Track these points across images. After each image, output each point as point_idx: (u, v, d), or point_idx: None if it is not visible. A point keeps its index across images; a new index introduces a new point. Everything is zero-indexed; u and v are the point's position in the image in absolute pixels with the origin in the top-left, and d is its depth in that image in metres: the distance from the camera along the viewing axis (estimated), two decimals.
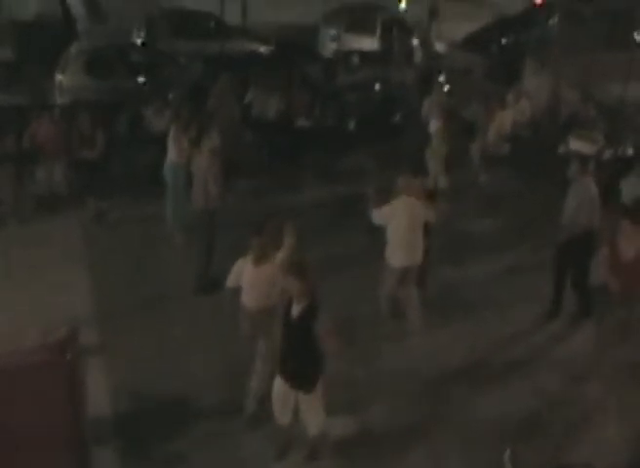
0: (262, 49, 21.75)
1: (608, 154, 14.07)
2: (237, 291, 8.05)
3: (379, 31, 22.42)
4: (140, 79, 17.18)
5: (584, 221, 9.61)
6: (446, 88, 16.52)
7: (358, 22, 22.68)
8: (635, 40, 21.62)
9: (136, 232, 12.08)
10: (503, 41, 23.14)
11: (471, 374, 9.24)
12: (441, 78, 17.80)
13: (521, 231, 12.69)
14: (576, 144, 14.74)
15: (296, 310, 7.00)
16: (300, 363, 7.12)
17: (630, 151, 14.32)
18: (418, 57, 21.94)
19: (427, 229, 9.64)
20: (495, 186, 14.36)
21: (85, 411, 7.20)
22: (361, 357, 9.24)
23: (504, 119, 14.92)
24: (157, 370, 9.01)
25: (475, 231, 12.86)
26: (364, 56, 21.84)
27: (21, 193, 12.83)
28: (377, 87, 17.44)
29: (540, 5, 23.67)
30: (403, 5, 24.72)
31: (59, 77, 16.82)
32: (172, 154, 11.77)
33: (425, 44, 22.76)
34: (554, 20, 22.27)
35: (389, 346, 9.61)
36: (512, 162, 14.73)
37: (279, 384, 7.39)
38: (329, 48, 22.42)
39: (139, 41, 20.88)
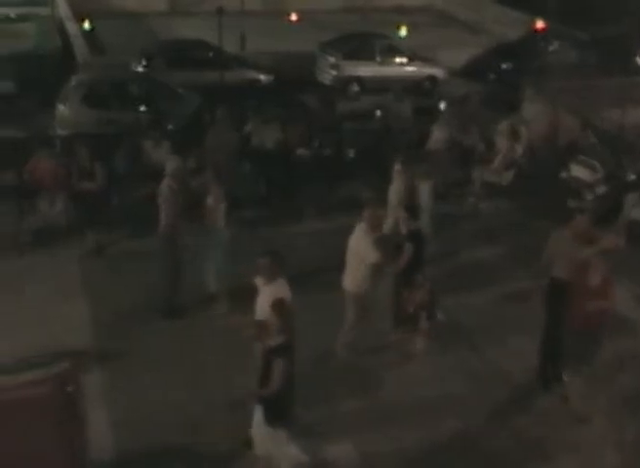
0: (261, 78, 21.81)
1: (607, 181, 14.10)
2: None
3: (378, 59, 22.49)
4: (139, 111, 17.21)
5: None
6: (448, 115, 16.50)
7: (357, 50, 22.76)
8: (635, 64, 21.74)
9: (134, 265, 12.01)
10: (502, 68, 23.25)
11: (471, 403, 9.19)
12: (442, 106, 17.84)
13: (521, 260, 12.62)
14: (576, 171, 14.76)
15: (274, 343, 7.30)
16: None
17: (632, 177, 14.32)
18: (416, 84, 21.98)
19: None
20: (495, 214, 14.33)
21: (86, 445, 7.15)
22: (362, 385, 9.19)
23: (503, 147, 14.93)
24: (158, 405, 8.95)
25: (475, 259, 12.80)
26: (363, 83, 21.94)
27: (21, 226, 12.79)
28: (376, 115, 17.47)
29: (541, 31, 23.78)
30: (403, 32, 24.83)
31: (59, 109, 16.86)
32: None
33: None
34: (553, 47, 22.45)
35: (389, 374, 9.57)
36: (512, 190, 14.71)
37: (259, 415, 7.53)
38: (327, 76, 22.48)
39: (137, 72, 20.94)
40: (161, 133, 14.40)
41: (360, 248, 9.44)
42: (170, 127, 16.37)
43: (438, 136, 15.20)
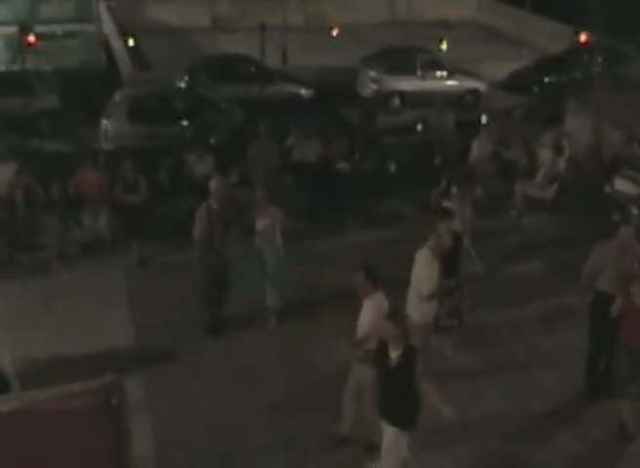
0: (303, 92, 21.93)
1: None
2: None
3: (419, 73, 22.48)
4: (183, 125, 17.40)
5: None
6: (490, 129, 16.42)
7: (398, 64, 22.78)
8: None
9: (178, 278, 12.10)
10: (545, 81, 23.08)
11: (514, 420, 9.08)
12: (484, 119, 17.76)
13: (565, 275, 12.44)
14: (621, 185, 14.55)
15: (394, 354, 7.18)
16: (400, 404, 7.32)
17: None
18: (458, 98, 21.93)
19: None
20: (538, 229, 14.17)
21: (130, 458, 7.18)
22: None
23: (547, 161, 14.79)
24: (199, 417, 8.99)
25: (518, 274, 12.66)
26: (404, 97, 21.92)
27: (66, 238, 12.98)
28: (418, 129, 17.44)
29: (585, 44, 23.57)
30: (444, 47, 24.82)
31: (104, 124, 17.11)
32: None
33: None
34: (597, 59, 22.17)
35: None
36: (556, 204, 14.54)
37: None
38: (369, 90, 22.51)
39: (181, 87, 21.19)
40: (204, 147, 14.53)
41: (425, 279, 9.11)
42: (213, 141, 16.51)
43: (480, 149, 15.13)
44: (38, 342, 10.32)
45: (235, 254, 10.91)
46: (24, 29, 22.19)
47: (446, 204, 11.57)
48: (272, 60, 23.67)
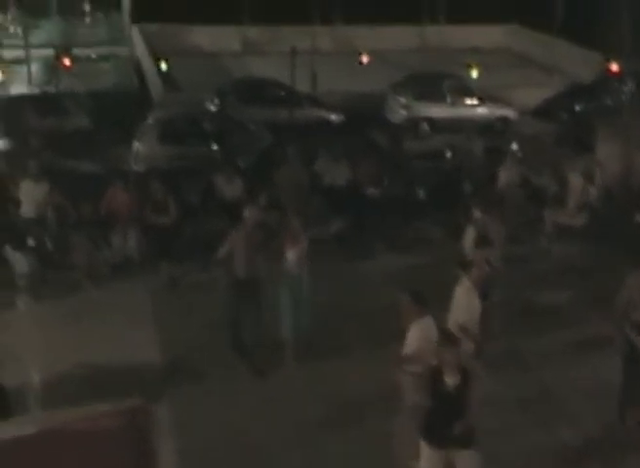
0: (332, 116, 22.02)
1: None
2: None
3: (448, 99, 22.50)
4: (212, 146, 17.53)
5: None
6: (517, 155, 16.38)
7: (427, 90, 22.83)
8: None
9: (206, 298, 12.13)
10: (575, 108, 23.01)
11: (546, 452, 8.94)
12: (513, 146, 17.71)
13: (595, 304, 12.31)
14: None
15: (451, 379, 7.15)
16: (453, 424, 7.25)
17: None
18: (487, 124, 21.90)
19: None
20: (568, 257, 14.05)
21: None
22: None
23: (577, 188, 14.69)
24: (226, 438, 8.96)
25: (547, 302, 12.55)
26: (433, 123, 21.94)
27: (96, 258, 13.07)
28: (447, 155, 17.42)
29: (615, 74, 23.52)
30: (474, 73, 24.85)
31: (135, 145, 17.29)
32: None
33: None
34: (628, 87, 22.16)
35: None
36: (586, 232, 14.42)
37: (428, 454, 7.41)
38: (398, 116, 22.56)
39: (211, 110, 21.37)
40: (233, 169, 14.60)
41: (464, 309, 8.94)
42: (241, 163, 16.61)
43: (507, 175, 15.07)
44: (66, 360, 10.39)
45: (264, 279, 10.88)
46: (60, 53, 22.64)
47: (469, 229, 11.52)
48: (302, 85, 23.85)
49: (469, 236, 11.72)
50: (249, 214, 10.71)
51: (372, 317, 11.63)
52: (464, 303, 8.87)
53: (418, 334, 7.98)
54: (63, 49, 25.80)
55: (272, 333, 10.75)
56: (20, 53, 25.00)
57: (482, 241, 10.02)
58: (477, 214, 12.19)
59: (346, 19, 32.87)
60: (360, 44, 30.07)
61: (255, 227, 10.68)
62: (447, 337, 7.39)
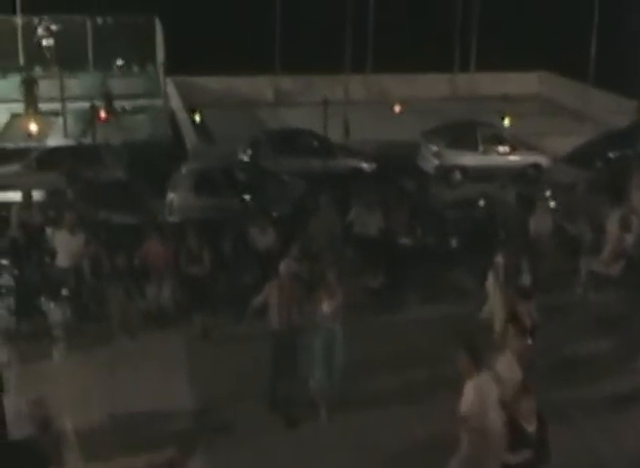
0: (365, 166, 22.09)
1: None
2: None
3: (481, 147, 22.52)
4: (246, 197, 17.64)
5: None
6: (551, 204, 16.28)
7: (460, 139, 22.86)
8: None
9: (240, 350, 12.09)
10: (610, 155, 22.87)
11: None
12: (547, 193, 17.61)
13: (632, 353, 12.08)
14: None
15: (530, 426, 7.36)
16: None
17: None
18: (520, 172, 21.85)
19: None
20: (604, 306, 13.85)
21: None
22: None
23: (613, 236, 14.53)
24: None
25: (583, 352, 12.34)
26: (466, 171, 21.92)
27: (130, 308, 13.13)
28: (480, 203, 17.35)
29: None
30: (507, 122, 24.87)
31: (169, 196, 17.47)
32: None
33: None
34: None
35: None
36: (622, 281, 14.22)
37: None
38: (430, 164, 22.59)
39: (244, 160, 21.56)
40: (267, 219, 14.68)
41: (508, 382, 8.51)
42: (275, 213, 16.68)
43: (541, 223, 14.98)
44: (100, 410, 10.42)
45: (299, 331, 10.84)
46: (97, 105, 23.09)
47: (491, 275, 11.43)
48: (334, 134, 24.01)
49: (491, 280, 11.66)
50: (284, 266, 10.71)
51: (405, 368, 11.53)
52: (507, 377, 8.53)
53: (475, 391, 7.83)
54: (106, 100, 26.42)
55: (306, 385, 10.68)
56: (56, 105, 25.55)
57: (523, 293, 9.88)
58: (500, 259, 12.15)
59: (378, 67, 33.17)
60: (392, 92, 30.29)
61: (290, 279, 10.67)
62: (522, 387, 7.41)
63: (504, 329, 9.22)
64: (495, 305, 12.31)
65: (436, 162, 22.40)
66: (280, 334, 10.54)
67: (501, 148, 22.57)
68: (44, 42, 31.96)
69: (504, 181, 17.67)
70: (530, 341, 9.32)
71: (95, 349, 12.33)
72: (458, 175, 22.00)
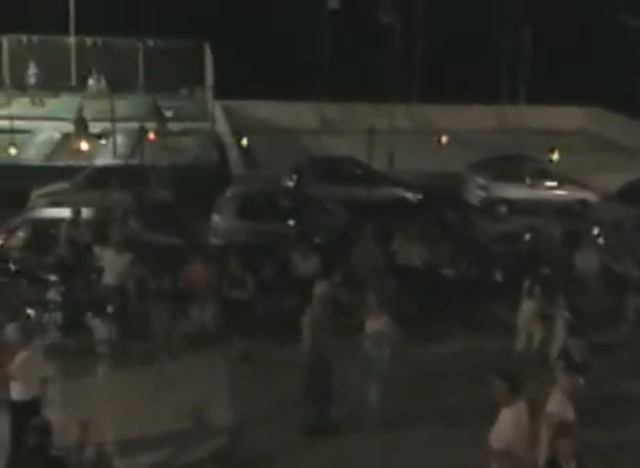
0: (408, 196, 22.05)
1: None
2: None
3: (527, 181, 22.39)
4: (289, 223, 17.71)
5: None
6: (598, 241, 16.10)
7: (507, 172, 22.75)
8: None
9: (279, 375, 12.07)
10: None
11: None
12: (593, 230, 17.41)
13: None
14: None
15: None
16: None
17: None
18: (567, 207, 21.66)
19: None
20: None
21: None
22: None
23: None
24: None
25: (630, 392, 12.10)
26: (511, 205, 21.76)
27: (173, 329, 13.20)
28: (525, 237, 17.18)
29: None
30: (555, 157, 24.72)
31: (214, 219, 17.61)
32: None
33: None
34: None
35: None
36: None
37: None
38: (476, 196, 22.48)
39: (288, 186, 21.67)
40: (309, 246, 14.70)
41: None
42: (317, 240, 16.71)
43: (587, 260, 14.81)
44: (140, 432, 10.43)
45: (335, 356, 10.81)
46: (145, 127, 23.42)
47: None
48: (379, 163, 24.04)
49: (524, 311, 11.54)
50: (319, 288, 10.73)
51: (442, 397, 11.43)
52: (555, 415, 8.43)
53: (510, 419, 7.73)
54: (158, 120, 26.77)
55: (344, 410, 10.64)
56: (106, 125, 25.97)
57: (575, 330, 9.74)
58: (537, 290, 12.04)
59: (424, 97, 33.22)
60: (437, 123, 30.28)
61: (323, 302, 10.67)
62: (562, 428, 7.31)
63: (554, 365, 9.09)
64: (535, 337, 12.26)
65: (482, 194, 22.31)
66: (314, 358, 10.52)
67: (548, 183, 22.41)
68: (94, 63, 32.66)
69: (550, 216, 17.50)
70: (581, 380, 9.16)
71: (137, 367, 12.41)
72: (503, 209, 21.83)
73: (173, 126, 28.16)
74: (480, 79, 32.93)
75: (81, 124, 25.86)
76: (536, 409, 8.40)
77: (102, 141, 26.02)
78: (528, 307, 12.99)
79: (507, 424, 7.74)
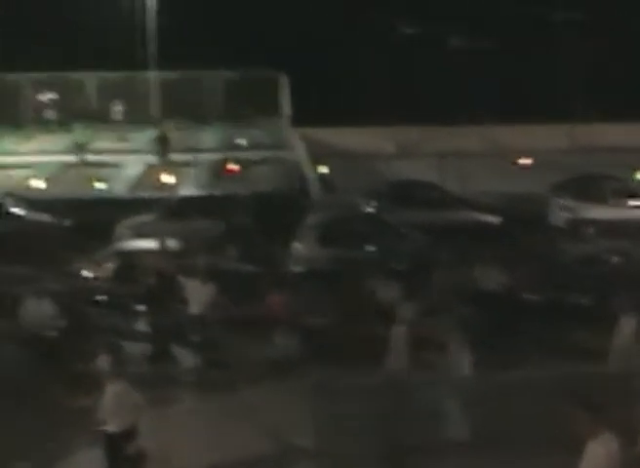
0: (487, 219, 21.89)
1: None
2: None
3: (611, 201, 21.96)
4: (369, 249, 17.80)
5: None
6: None
7: (590, 192, 22.37)
8: None
9: (357, 404, 12.08)
10: None
11: None
12: None
13: None
14: None
15: None
16: None
17: None
18: None
19: None
20: None
21: None
22: None
23: None
24: None
25: None
26: (596, 226, 21.30)
27: (252, 358, 13.37)
28: (610, 260, 16.79)
29: None
30: (638, 175, 24.23)
31: (295, 247, 17.84)
32: None
33: None
34: None
35: None
36: None
37: None
38: (559, 218, 22.13)
39: (367, 212, 21.80)
40: (388, 272, 14.75)
41: None
42: (396, 266, 16.73)
43: None
44: (212, 459, 10.55)
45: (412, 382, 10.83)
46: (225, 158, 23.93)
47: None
48: (454, 186, 23.96)
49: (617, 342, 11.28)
50: (402, 314, 10.78)
51: (523, 423, 11.29)
52: None
53: (597, 453, 7.45)
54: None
55: (424, 436, 10.59)
56: (188, 156, 26.64)
57: None
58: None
59: (496, 118, 32.96)
60: (512, 144, 29.98)
61: (406, 328, 10.70)
62: None
63: None
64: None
65: (566, 215, 21.93)
66: (392, 384, 10.53)
67: (633, 202, 21.93)
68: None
69: (636, 237, 17.10)
70: None
71: (220, 396, 12.53)
72: (590, 230, 21.37)
73: (252, 155, 28.68)
74: (550, 97, 32.50)
75: (163, 142, 26.46)
76: (631, 441, 8.12)
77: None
78: (627, 329, 12.63)
79: (599, 458, 7.40)
